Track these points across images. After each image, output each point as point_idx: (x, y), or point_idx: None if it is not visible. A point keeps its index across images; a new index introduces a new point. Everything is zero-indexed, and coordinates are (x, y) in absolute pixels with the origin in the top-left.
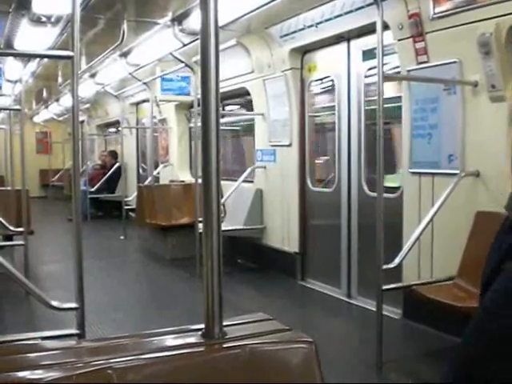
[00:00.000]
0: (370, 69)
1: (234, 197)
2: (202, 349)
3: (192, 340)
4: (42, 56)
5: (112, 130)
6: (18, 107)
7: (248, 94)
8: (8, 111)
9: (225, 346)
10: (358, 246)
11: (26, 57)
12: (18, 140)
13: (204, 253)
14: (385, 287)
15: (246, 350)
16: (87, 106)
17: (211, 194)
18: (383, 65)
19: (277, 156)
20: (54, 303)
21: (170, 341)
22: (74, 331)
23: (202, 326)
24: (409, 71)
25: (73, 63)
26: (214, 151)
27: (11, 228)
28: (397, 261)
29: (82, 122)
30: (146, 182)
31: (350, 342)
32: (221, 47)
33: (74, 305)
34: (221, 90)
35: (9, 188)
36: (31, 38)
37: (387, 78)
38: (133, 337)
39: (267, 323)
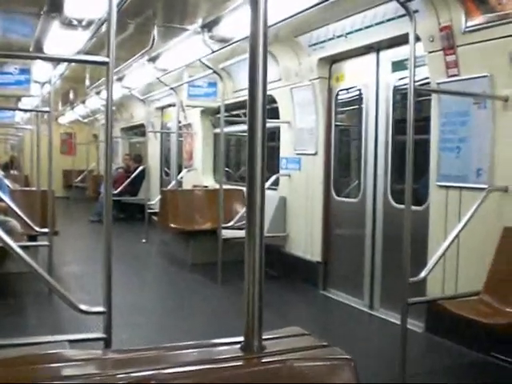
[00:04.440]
0: (399, 79)
1: None
2: (241, 362)
3: (231, 353)
4: (77, 61)
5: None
6: (46, 109)
7: (274, 101)
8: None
9: (264, 360)
10: (382, 257)
11: (62, 61)
12: (44, 141)
13: (246, 266)
14: (411, 301)
15: (285, 365)
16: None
17: (255, 206)
18: (414, 76)
19: (302, 164)
20: (83, 307)
21: (209, 353)
22: (100, 335)
23: (241, 338)
24: (439, 84)
25: (108, 69)
26: (259, 161)
27: (36, 228)
28: (423, 274)
29: None
30: (170, 186)
31: (372, 355)
32: None
33: (101, 309)
34: (246, 97)
35: (34, 188)
36: (61, 40)
37: (418, 90)
38: (169, 348)
39: (303, 338)
